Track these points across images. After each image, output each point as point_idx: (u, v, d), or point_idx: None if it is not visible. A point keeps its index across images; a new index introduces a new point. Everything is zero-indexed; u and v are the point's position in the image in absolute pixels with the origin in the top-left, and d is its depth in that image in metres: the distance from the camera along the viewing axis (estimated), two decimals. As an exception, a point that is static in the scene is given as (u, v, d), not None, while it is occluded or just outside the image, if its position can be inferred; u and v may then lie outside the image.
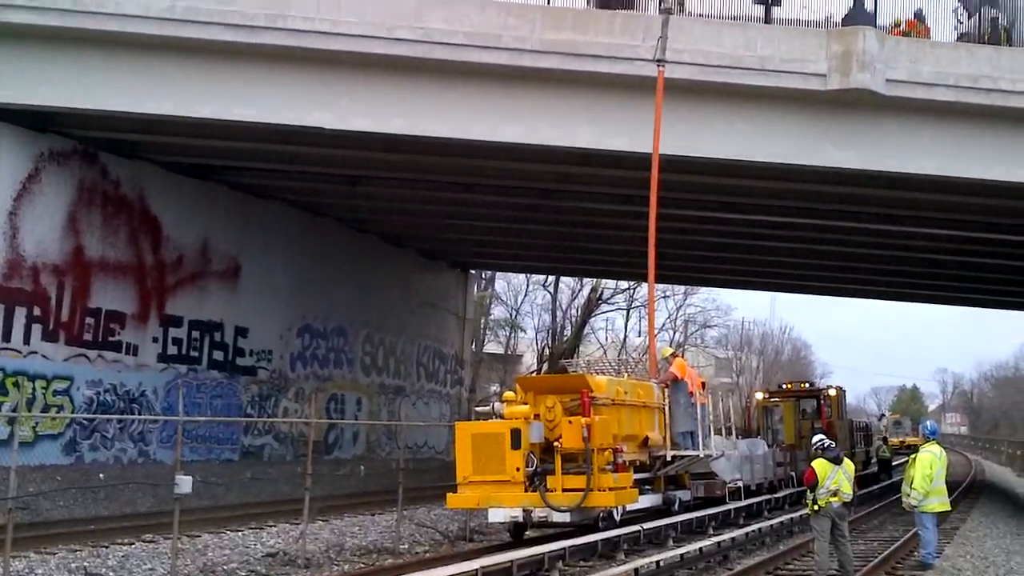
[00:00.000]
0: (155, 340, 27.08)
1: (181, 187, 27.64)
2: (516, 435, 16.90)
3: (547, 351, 56.36)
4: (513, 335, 62.52)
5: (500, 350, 62.06)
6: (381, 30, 20.70)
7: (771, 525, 21.48)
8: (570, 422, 16.77)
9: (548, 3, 21.72)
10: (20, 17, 20.58)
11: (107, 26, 20.65)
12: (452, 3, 20.98)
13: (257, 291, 30.67)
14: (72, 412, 23.92)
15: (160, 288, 27.29)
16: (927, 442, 16.90)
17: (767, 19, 21.94)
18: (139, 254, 26.52)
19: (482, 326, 55.73)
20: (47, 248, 23.87)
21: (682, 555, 16.55)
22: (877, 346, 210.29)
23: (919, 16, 22.67)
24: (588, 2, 22.52)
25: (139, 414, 25.86)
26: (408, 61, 20.94)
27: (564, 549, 15.39)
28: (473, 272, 47.46)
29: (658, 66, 19.63)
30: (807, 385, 42.56)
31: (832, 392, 38.80)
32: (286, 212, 31.78)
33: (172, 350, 27.59)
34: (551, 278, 55.57)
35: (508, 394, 18.89)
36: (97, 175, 25.25)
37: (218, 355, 29.33)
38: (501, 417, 17.45)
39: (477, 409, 20.98)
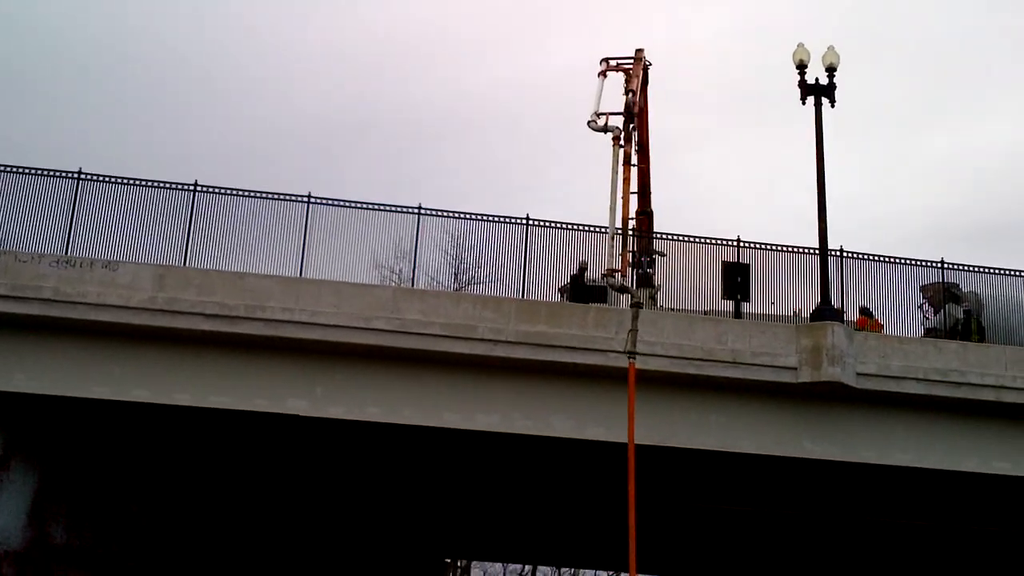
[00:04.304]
0: None
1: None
2: None
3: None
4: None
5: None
6: (358, 320, 21.05)
7: None
8: None
9: (522, 297, 22.18)
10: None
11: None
12: (428, 296, 21.43)
13: None
14: None
15: None
16: None
17: (737, 314, 22.48)
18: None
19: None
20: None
21: None
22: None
23: (865, 311, 23.27)
24: (561, 297, 23.05)
25: None
26: (384, 350, 21.20)
27: None
28: (448, 560, 46.29)
29: (629, 358, 19.83)
30: None
31: None
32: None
33: None
34: (528, 566, 54.29)
35: None
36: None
37: None
38: None
39: None
